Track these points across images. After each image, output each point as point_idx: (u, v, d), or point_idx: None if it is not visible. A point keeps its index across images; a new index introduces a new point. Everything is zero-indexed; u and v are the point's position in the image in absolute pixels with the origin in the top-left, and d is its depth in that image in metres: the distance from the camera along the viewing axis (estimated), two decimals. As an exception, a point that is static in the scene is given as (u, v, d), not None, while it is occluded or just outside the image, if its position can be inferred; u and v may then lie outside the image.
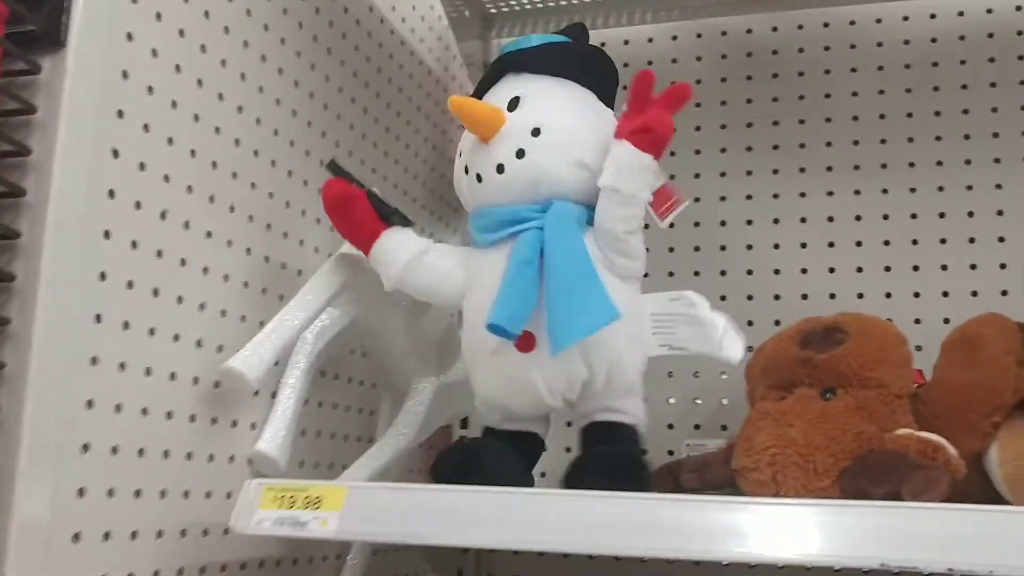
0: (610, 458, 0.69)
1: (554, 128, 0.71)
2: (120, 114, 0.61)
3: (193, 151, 0.69)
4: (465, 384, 0.89)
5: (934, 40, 1.06)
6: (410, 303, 0.84)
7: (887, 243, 1.02)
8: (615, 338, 0.68)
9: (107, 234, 0.60)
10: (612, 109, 0.75)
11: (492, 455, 0.71)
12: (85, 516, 0.58)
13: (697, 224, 1.08)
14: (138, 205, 0.63)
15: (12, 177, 0.54)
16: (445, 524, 0.60)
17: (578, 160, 0.70)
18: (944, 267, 1.00)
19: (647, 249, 0.73)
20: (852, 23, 1.09)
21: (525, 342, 0.68)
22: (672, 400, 1.05)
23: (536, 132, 0.70)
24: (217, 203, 0.71)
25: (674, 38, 1.15)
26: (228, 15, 0.73)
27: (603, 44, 1.16)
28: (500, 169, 0.71)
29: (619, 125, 0.69)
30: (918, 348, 0.78)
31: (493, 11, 1.16)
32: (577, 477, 0.67)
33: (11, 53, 0.54)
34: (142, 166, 0.63)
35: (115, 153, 0.61)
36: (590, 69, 0.76)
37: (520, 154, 0.70)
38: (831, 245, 1.04)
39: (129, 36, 0.62)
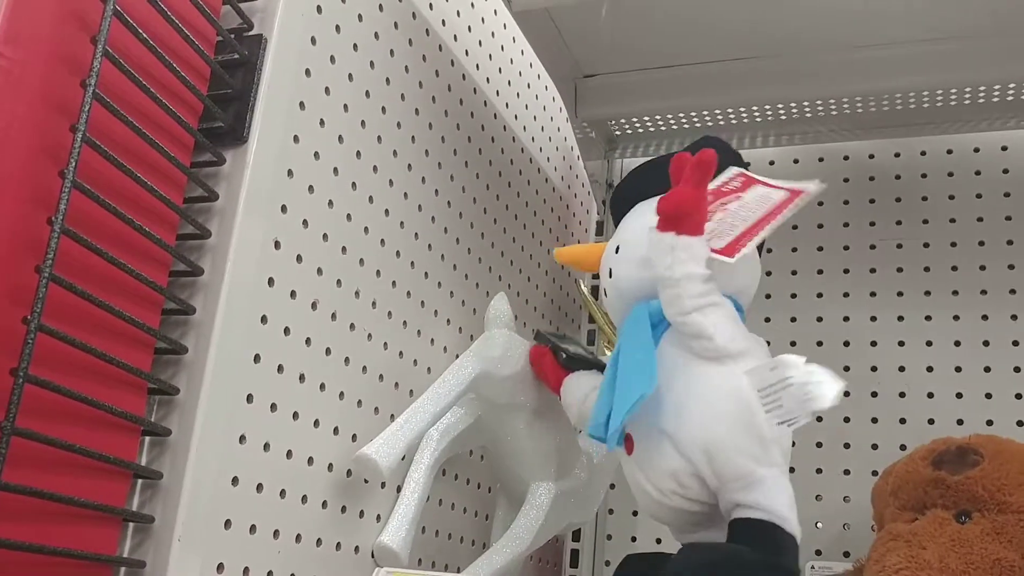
0: (699, 553, 0.63)
1: (629, 241, 0.73)
2: (284, 208, 0.65)
3: (344, 247, 0.72)
4: (581, 493, 0.89)
5: (1063, 168, 1.05)
6: (533, 406, 0.85)
7: (1017, 370, 1.00)
8: (705, 421, 0.64)
9: (264, 319, 0.63)
10: None
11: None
12: (223, 591, 0.60)
13: (820, 344, 1.08)
14: (293, 295, 0.66)
15: (192, 256, 0.58)
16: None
17: (643, 258, 0.68)
18: None
19: None
20: (976, 150, 1.09)
21: (628, 444, 0.68)
22: (792, 522, 1.02)
23: (617, 250, 0.74)
24: (362, 297, 0.75)
25: (795, 161, 1.17)
26: (381, 125, 0.78)
27: (724, 166, 1.19)
28: (605, 292, 0.77)
29: None
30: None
31: (617, 132, 1.20)
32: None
33: (201, 145, 0.59)
34: (299, 258, 0.67)
35: (277, 244, 0.65)
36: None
37: (610, 273, 0.75)
38: (958, 370, 1.02)
39: (296, 139, 0.67)
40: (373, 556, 0.75)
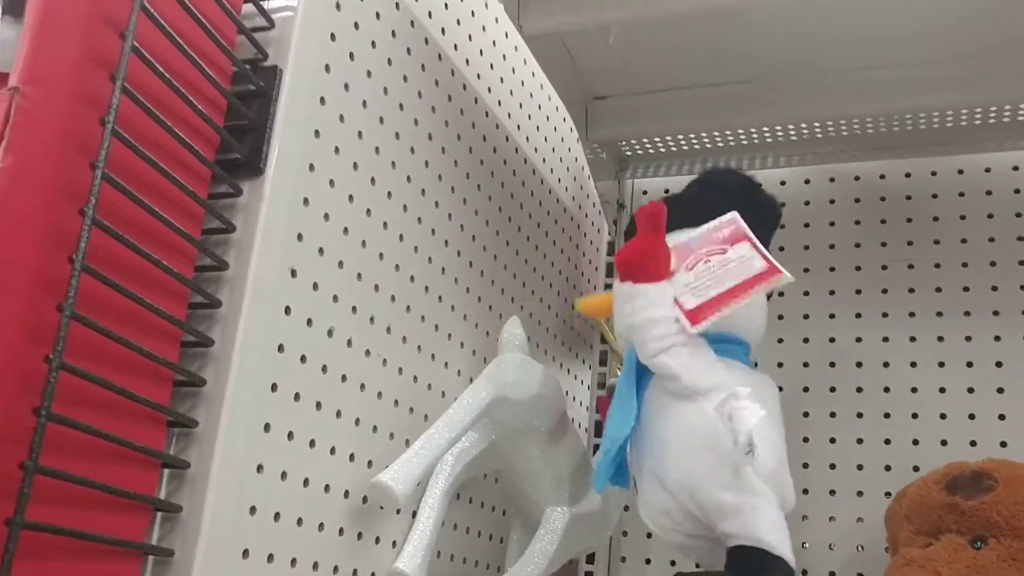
0: None
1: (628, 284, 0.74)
2: (300, 237, 0.66)
3: (360, 274, 0.73)
4: (596, 516, 0.89)
5: (1075, 187, 1.05)
6: (547, 429, 0.85)
7: (1032, 391, 1.00)
8: (681, 460, 0.67)
9: (281, 348, 0.63)
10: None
11: None
12: (243, 620, 0.60)
13: (833, 365, 1.08)
14: (309, 322, 0.67)
15: (210, 288, 0.59)
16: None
17: None
18: None
19: (780, 388, 0.78)
20: (987, 170, 1.09)
21: (635, 484, 0.71)
22: (806, 545, 1.03)
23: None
24: (376, 323, 0.75)
25: (807, 181, 1.17)
26: (395, 151, 0.79)
27: (735, 187, 1.19)
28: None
29: None
30: (1070, 500, 0.75)
31: (628, 153, 1.21)
32: None
33: (219, 177, 0.60)
34: (315, 286, 0.67)
35: (293, 273, 0.65)
36: (692, 214, 0.76)
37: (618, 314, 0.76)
38: (971, 391, 1.02)
39: (311, 167, 0.67)
40: (388, 582, 0.75)
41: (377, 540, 0.75)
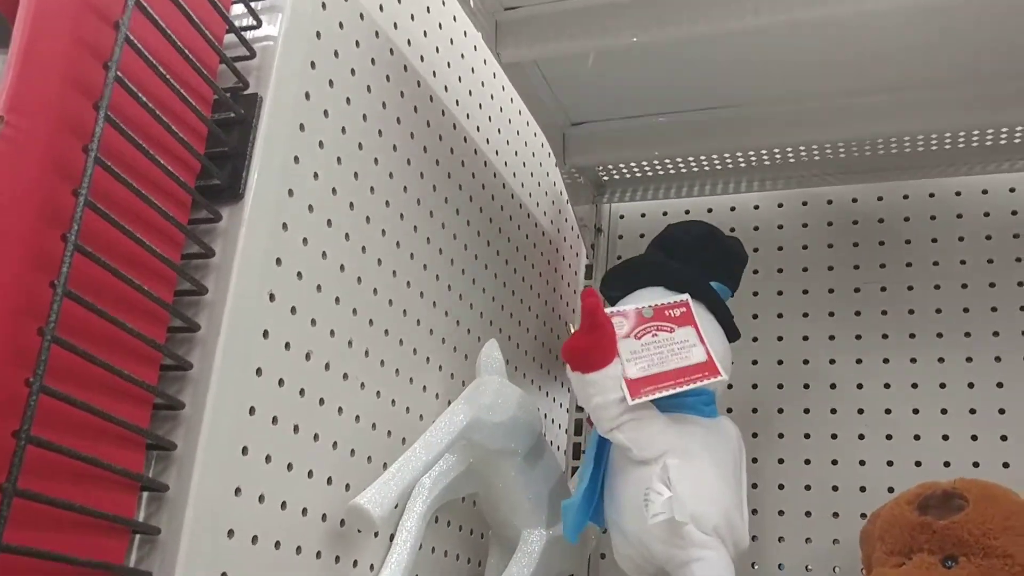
0: None
1: None
2: (278, 262, 0.66)
3: (338, 298, 0.73)
4: (573, 539, 0.90)
5: (1043, 212, 1.07)
6: (525, 452, 0.86)
7: (1002, 411, 1.01)
8: (635, 516, 0.76)
9: (259, 371, 0.64)
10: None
11: None
12: (221, 644, 0.60)
13: (807, 386, 1.09)
14: (287, 346, 0.67)
15: (189, 312, 0.59)
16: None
17: None
18: None
19: (754, 409, 0.88)
20: (958, 193, 1.10)
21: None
22: (783, 567, 1.04)
23: None
24: (355, 347, 0.76)
25: (780, 205, 1.18)
26: (373, 177, 0.80)
27: (710, 210, 1.21)
28: None
29: None
30: (1040, 520, 0.76)
31: (605, 178, 1.22)
32: None
33: (199, 203, 0.60)
34: (293, 310, 0.68)
35: (271, 297, 0.66)
36: (655, 273, 0.86)
37: None
38: (944, 412, 1.03)
39: (290, 192, 0.68)
40: (366, 605, 0.76)
41: (355, 563, 0.75)
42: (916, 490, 0.80)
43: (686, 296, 0.81)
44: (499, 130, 1.07)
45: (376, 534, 0.77)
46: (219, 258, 0.61)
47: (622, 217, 1.26)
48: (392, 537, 0.78)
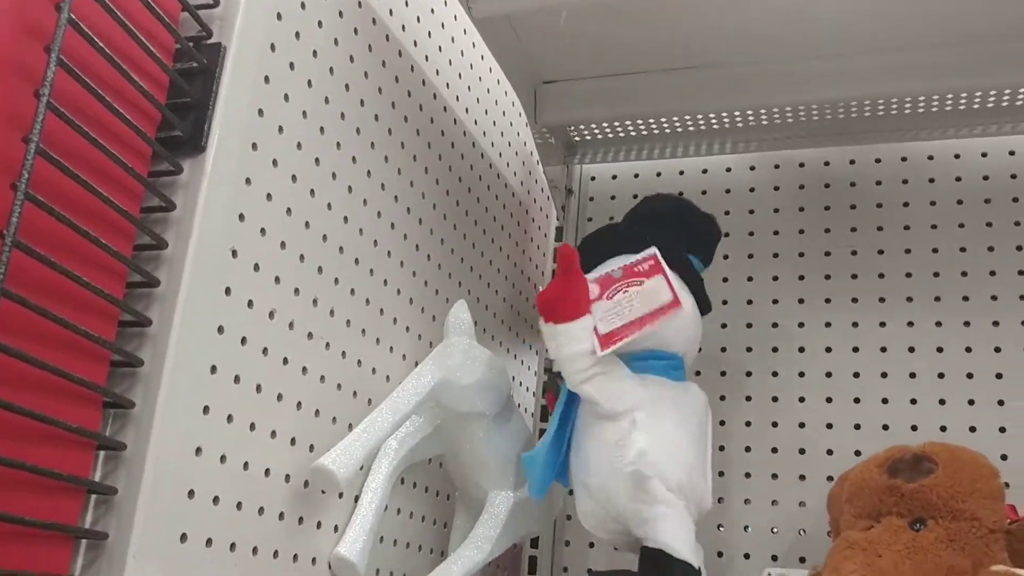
0: None
1: None
2: (241, 217, 0.64)
3: (302, 256, 0.72)
4: (540, 501, 0.89)
5: (1014, 176, 1.07)
6: (492, 414, 0.85)
7: (970, 376, 1.01)
8: (600, 471, 0.76)
9: (221, 329, 0.62)
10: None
11: None
12: (180, 606, 0.59)
13: (776, 350, 1.08)
14: (250, 304, 0.65)
15: (148, 267, 0.58)
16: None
17: None
18: None
19: (723, 372, 0.90)
20: (930, 157, 1.10)
21: None
22: (749, 529, 1.04)
23: None
24: (320, 306, 0.74)
25: (752, 168, 1.17)
26: (340, 132, 0.78)
27: (681, 172, 1.20)
28: None
29: None
30: (1005, 485, 0.77)
31: (577, 139, 1.21)
32: None
33: (159, 154, 0.58)
34: (256, 267, 0.66)
35: (234, 253, 0.64)
36: (629, 243, 0.84)
37: None
38: (912, 376, 1.03)
39: (254, 146, 0.66)
40: (330, 567, 0.74)
41: (319, 525, 0.74)
42: (885, 453, 0.80)
43: (653, 249, 0.80)
44: (469, 87, 1.05)
45: (341, 495, 0.76)
46: (180, 212, 0.59)
47: (593, 179, 1.25)
48: (357, 499, 0.77)
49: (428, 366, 0.80)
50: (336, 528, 0.76)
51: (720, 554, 1.02)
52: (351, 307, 0.79)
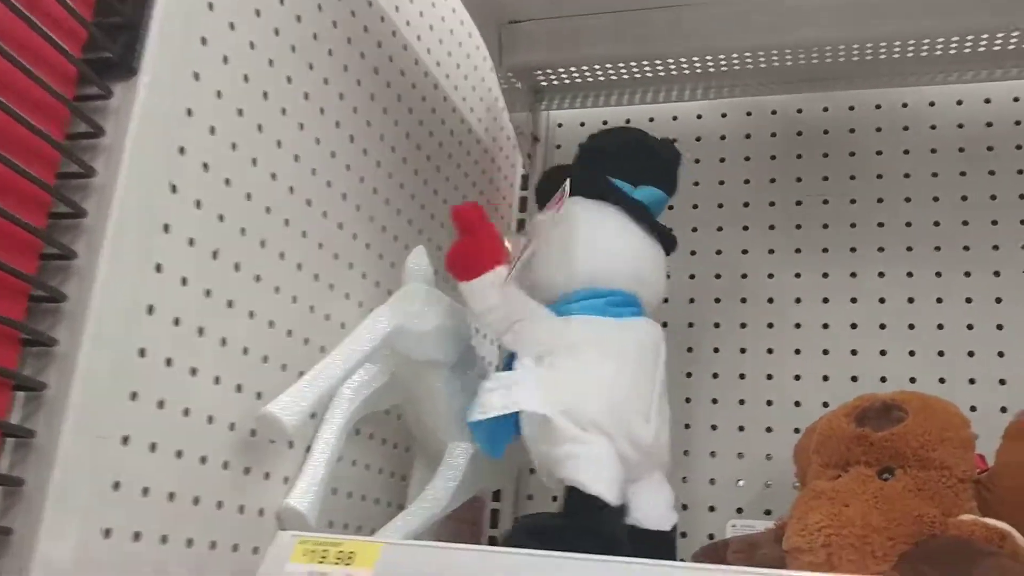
0: (523, 520, 0.78)
1: None
2: (182, 150, 0.61)
3: (249, 194, 0.68)
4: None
5: (989, 124, 1.05)
6: (451, 363, 0.82)
7: (941, 327, 0.99)
8: (526, 422, 0.74)
9: (159, 267, 0.59)
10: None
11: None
12: (108, 559, 0.56)
13: (744, 300, 1.06)
14: (191, 242, 0.62)
15: (76, 197, 0.54)
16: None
17: None
18: (1001, 354, 0.97)
19: (691, 324, 0.89)
20: (904, 105, 1.08)
21: None
22: (715, 482, 1.02)
23: None
24: (268, 248, 0.70)
25: (723, 115, 1.14)
26: (291, 65, 0.74)
27: (651, 119, 1.16)
28: None
29: None
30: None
31: (544, 83, 1.17)
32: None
33: (86, 77, 0.54)
34: (198, 204, 0.63)
35: (173, 188, 0.60)
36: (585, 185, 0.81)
37: None
38: (883, 327, 1.01)
39: (196, 76, 0.62)
40: (279, 519, 0.72)
41: (267, 475, 0.71)
42: (854, 402, 0.77)
43: (564, 186, 0.77)
44: (431, 26, 1.01)
45: (291, 444, 0.73)
46: (110, 138, 0.55)
47: (560, 125, 1.21)
48: (308, 449, 0.74)
49: (384, 312, 0.77)
50: (286, 479, 0.73)
51: (685, 507, 1.00)
52: (303, 250, 0.75)
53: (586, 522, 0.68)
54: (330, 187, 0.79)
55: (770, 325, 1.04)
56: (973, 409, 0.93)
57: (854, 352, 1.01)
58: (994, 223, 1.01)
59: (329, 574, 0.59)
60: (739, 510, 0.99)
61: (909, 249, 1.03)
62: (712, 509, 1.01)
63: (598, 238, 0.79)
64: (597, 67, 1.11)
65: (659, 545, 0.74)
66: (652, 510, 0.76)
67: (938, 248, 1.02)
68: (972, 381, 0.97)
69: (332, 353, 0.73)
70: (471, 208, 0.75)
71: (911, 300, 1.01)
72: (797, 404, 1.00)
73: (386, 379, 0.81)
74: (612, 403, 0.73)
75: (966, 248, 1.01)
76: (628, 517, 0.73)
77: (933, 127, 1.06)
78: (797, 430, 0.90)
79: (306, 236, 0.76)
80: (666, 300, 0.87)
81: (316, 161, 0.77)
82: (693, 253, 1.09)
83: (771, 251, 1.07)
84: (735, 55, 1.06)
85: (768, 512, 0.97)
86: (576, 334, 0.76)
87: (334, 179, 0.80)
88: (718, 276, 1.08)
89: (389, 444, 0.90)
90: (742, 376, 1.04)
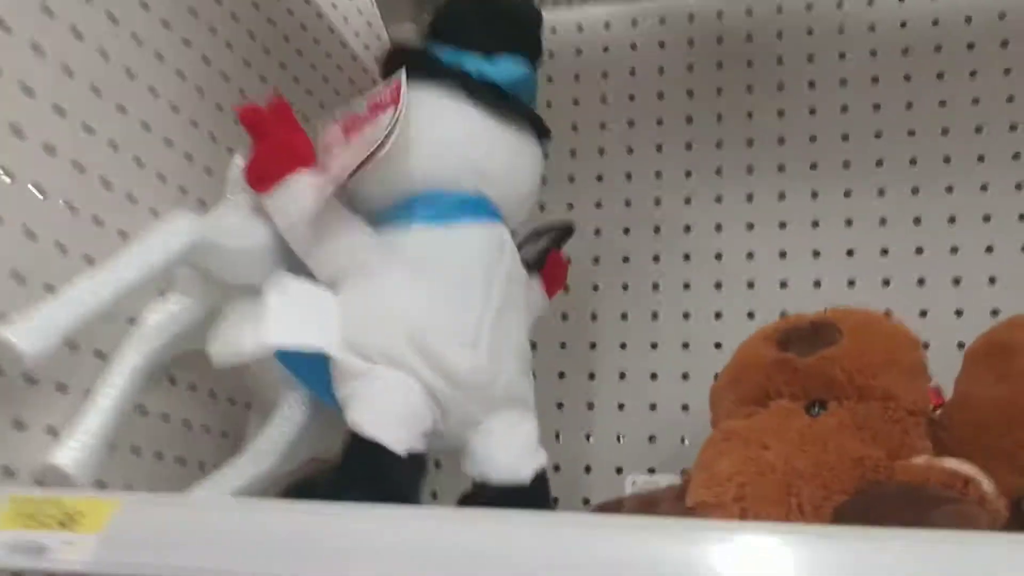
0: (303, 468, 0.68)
1: None
2: None
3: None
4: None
5: (936, 23, 0.92)
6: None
7: (885, 252, 0.88)
8: None
9: None
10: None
11: None
12: None
13: (658, 230, 0.94)
14: None
15: None
16: (262, 554, 0.42)
17: None
18: (957, 280, 0.85)
19: (596, 259, 0.83)
20: (839, 5, 0.96)
21: None
22: (623, 439, 0.89)
23: None
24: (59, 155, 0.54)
25: (634, 23, 1.01)
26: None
27: (554, 30, 1.02)
28: None
29: None
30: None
31: (426, -8, 1.02)
32: None
33: None
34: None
35: None
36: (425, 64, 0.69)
37: None
38: (816, 254, 0.89)
39: None
40: (38, 481, 0.55)
41: (17, 423, 0.54)
42: (777, 324, 0.63)
43: (400, 73, 0.63)
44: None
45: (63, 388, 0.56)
46: None
47: (451, 40, 1.07)
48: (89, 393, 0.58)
49: (184, 218, 0.61)
50: (51, 429, 0.56)
51: (588, 468, 0.87)
52: (91, 151, 0.59)
53: (362, 472, 0.57)
54: (177, 112, 0.64)
55: (687, 256, 0.93)
56: (925, 346, 0.79)
57: (783, 284, 0.89)
58: (944, 132, 0.89)
59: (42, 542, 0.42)
60: (651, 470, 0.86)
61: (846, 166, 0.91)
62: (619, 471, 0.88)
63: (424, 131, 0.64)
64: (487, -32, 0.96)
65: (518, 506, 0.58)
66: (501, 458, 0.60)
67: (880, 163, 0.90)
68: (923, 314, 0.86)
69: (101, 266, 0.57)
70: (252, 110, 0.63)
71: (849, 223, 0.90)
72: (718, 346, 0.88)
73: (202, 313, 0.65)
74: (410, 329, 0.60)
75: (912, 162, 0.90)
76: (447, 470, 0.65)
77: (872, 28, 0.94)
78: (717, 376, 0.76)
79: (92, 133, 0.60)
80: (570, 231, 0.74)
81: (157, 82, 0.61)
82: (600, 179, 0.97)
83: (688, 173, 0.95)
84: (644, -53, 0.92)
85: (684, 472, 0.83)
86: (375, 252, 0.63)
87: (182, 105, 0.68)
88: (628, 203, 0.96)
89: (220, 398, 0.74)
90: (655, 316, 0.92)
